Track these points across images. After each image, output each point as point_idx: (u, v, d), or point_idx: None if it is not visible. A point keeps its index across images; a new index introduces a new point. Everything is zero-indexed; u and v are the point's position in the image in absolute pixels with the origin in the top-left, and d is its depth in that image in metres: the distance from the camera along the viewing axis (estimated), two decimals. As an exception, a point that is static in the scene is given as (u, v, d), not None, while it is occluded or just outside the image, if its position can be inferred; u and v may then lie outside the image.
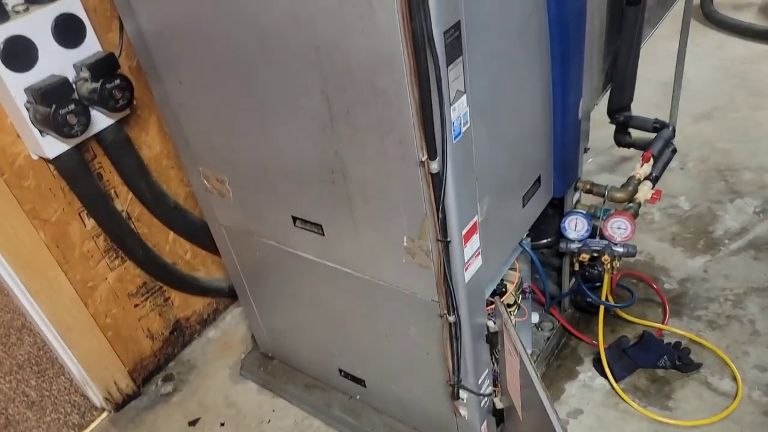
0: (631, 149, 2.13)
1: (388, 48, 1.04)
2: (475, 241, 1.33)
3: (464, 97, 1.14)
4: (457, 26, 1.06)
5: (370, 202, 1.32)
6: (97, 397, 2.10)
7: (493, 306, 1.51)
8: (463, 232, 1.27)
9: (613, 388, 1.88)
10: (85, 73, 1.57)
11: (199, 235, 2.08)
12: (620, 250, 1.77)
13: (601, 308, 1.92)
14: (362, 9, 1.03)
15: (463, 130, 1.17)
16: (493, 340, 1.53)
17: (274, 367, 2.13)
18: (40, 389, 2.07)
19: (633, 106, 2.06)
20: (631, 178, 1.86)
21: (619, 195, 1.81)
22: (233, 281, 1.98)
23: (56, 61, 1.56)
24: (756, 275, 2.17)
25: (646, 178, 1.88)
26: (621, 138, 2.12)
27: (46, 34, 1.53)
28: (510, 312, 1.51)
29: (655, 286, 2.17)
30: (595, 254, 1.79)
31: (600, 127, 2.02)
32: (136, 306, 2.09)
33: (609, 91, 1.99)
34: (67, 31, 1.56)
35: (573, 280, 2.02)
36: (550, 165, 1.65)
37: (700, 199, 2.54)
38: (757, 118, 2.91)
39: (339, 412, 1.92)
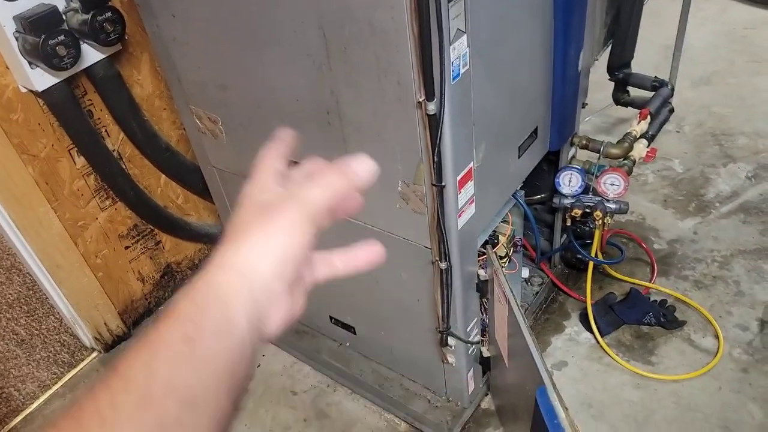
0: (629, 109, 2.11)
1: (390, -19, 1.01)
2: (469, 187, 1.32)
3: (464, 37, 1.12)
4: (461, -39, 1.03)
5: (365, 144, 1.31)
6: (86, 337, 2.11)
7: (484, 257, 1.52)
8: (458, 178, 1.26)
9: (598, 342, 1.91)
10: (76, 4, 1.52)
11: (192, 178, 2.06)
12: (612, 206, 1.78)
13: (590, 264, 1.94)
14: (364, -62, 1.00)
15: (462, 71, 1.15)
16: (483, 288, 1.54)
17: (264, 313, 2.14)
18: (30, 328, 2.07)
19: (633, 67, 2.04)
20: (627, 134, 1.85)
21: (615, 151, 1.81)
22: (225, 226, 1.97)
23: (46, -10, 1.51)
24: (744, 238, 2.19)
25: (642, 136, 1.87)
26: (619, 96, 2.10)
27: (35, -39, 1.48)
28: (501, 263, 1.52)
29: (644, 245, 2.19)
30: (588, 210, 1.80)
31: (598, 89, 2.00)
32: (126, 248, 2.09)
33: (609, 48, 1.97)
34: (57, -42, 1.51)
35: (564, 236, 2.03)
36: (548, 118, 1.63)
37: (694, 162, 2.54)
38: (756, 84, 2.89)
39: (328, 358, 1.95)
